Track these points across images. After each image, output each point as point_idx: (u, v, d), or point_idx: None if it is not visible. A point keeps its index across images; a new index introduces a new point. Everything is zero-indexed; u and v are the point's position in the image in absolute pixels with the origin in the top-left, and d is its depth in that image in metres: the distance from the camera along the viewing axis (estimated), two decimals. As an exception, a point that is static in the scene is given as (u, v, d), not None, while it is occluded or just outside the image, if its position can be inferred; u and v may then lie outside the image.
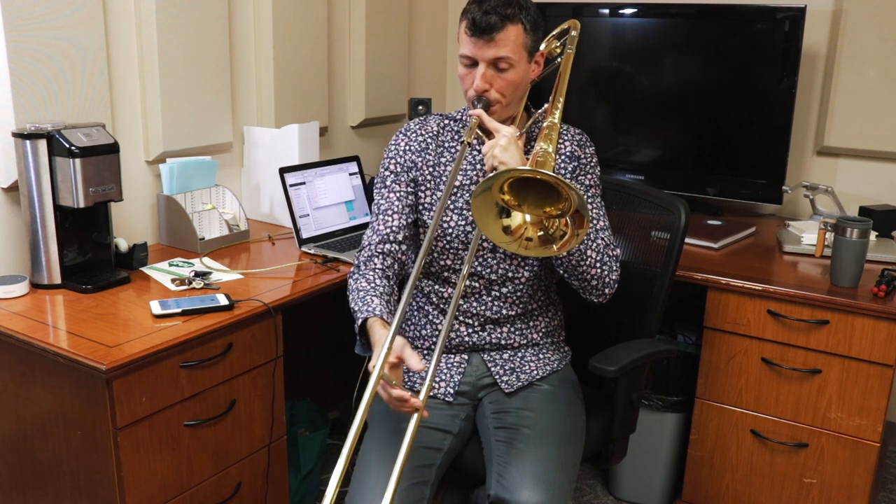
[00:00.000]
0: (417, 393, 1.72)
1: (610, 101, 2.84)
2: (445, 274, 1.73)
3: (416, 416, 1.37)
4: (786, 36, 2.44)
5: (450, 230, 1.70)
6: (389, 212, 1.70)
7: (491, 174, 1.41)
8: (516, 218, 1.46)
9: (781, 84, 2.47)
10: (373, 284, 1.61)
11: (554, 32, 1.83)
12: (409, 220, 1.71)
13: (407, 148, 1.75)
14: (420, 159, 1.74)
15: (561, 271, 1.67)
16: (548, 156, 1.48)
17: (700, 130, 2.70)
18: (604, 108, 2.86)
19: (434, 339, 1.76)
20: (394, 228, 1.68)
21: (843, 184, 2.64)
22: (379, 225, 1.70)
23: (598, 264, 1.64)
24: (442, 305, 1.74)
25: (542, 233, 1.45)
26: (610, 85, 2.82)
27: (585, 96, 2.86)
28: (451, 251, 1.71)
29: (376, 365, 1.31)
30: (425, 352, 1.78)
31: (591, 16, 2.76)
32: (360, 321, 1.52)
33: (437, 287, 1.74)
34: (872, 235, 2.10)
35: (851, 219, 2.03)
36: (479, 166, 1.73)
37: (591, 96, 2.87)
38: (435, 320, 1.75)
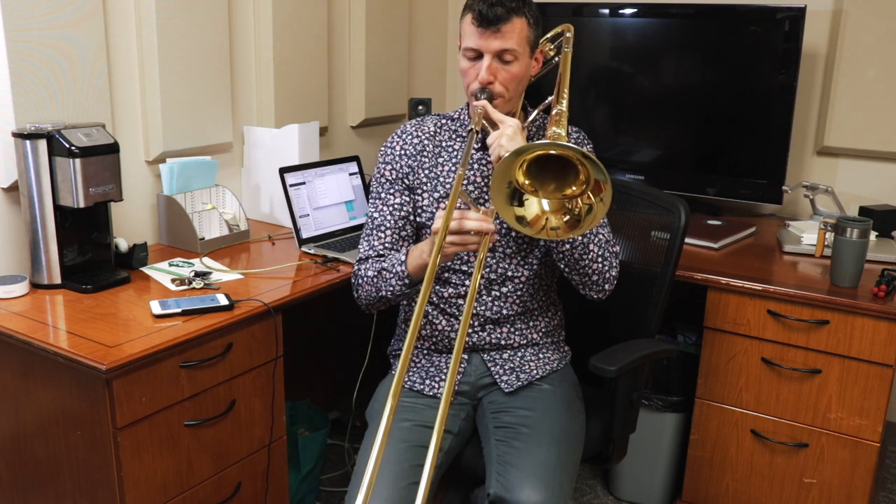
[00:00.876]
0: (419, 392, 1.74)
1: (610, 101, 2.84)
2: (445, 274, 1.73)
3: (439, 416, 1.29)
4: (786, 36, 2.44)
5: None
6: (383, 227, 1.72)
7: (522, 146, 1.41)
8: (531, 208, 1.46)
9: (781, 84, 2.47)
10: (382, 257, 1.70)
11: (548, 35, 1.84)
12: (404, 234, 1.73)
13: (402, 152, 1.75)
14: (415, 163, 1.74)
15: (562, 266, 1.68)
16: (561, 139, 1.50)
17: (700, 130, 2.70)
18: (604, 108, 2.86)
19: (434, 339, 1.76)
20: (387, 245, 1.72)
21: (843, 184, 2.64)
22: (374, 240, 1.73)
23: (599, 259, 1.65)
24: (442, 305, 1.74)
25: (567, 217, 1.45)
26: (610, 85, 2.82)
27: (585, 96, 2.86)
28: (451, 251, 1.71)
29: (443, 222, 1.43)
30: (425, 352, 1.78)
31: (591, 16, 2.76)
32: (402, 263, 1.62)
33: (436, 287, 1.74)
34: (872, 235, 2.10)
35: (851, 219, 2.03)
36: (476, 166, 1.73)
37: (591, 96, 2.87)
38: (435, 320, 1.75)
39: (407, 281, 1.62)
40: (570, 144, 1.38)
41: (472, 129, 1.57)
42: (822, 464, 2.08)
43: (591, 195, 1.41)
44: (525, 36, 1.62)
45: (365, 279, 1.70)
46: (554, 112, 1.61)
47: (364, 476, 1.07)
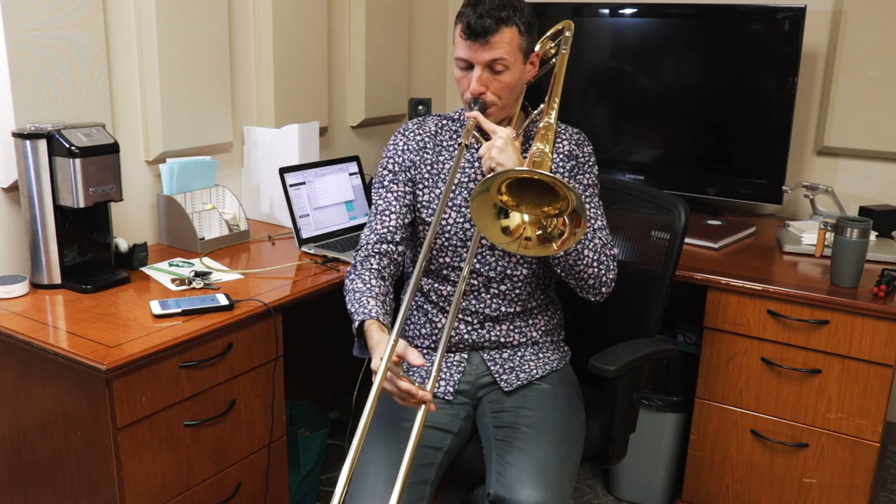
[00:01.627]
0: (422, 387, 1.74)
1: (610, 101, 2.84)
2: (444, 272, 1.73)
3: (420, 415, 1.37)
4: (786, 36, 2.44)
5: (448, 227, 1.70)
6: (387, 212, 1.71)
7: (489, 175, 1.41)
8: (514, 218, 1.46)
9: (781, 84, 2.47)
10: (368, 285, 1.60)
11: (548, 34, 1.83)
12: (406, 221, 1.72)
13: (405, 147, 1.76)
14: (418, 158, 1.75)
15: (558, 270, 1.68)
16: (545, 156, 1.48)
17: (700, 130, 2.70)
18: (604, 108, 2.86)
19: (434, 338, 1.76)
20: (390, 229, 1.69)
21: (843, 184, 2.64)
22: (376, 224, 1.70)
23: (595, 263, 1.65)
24: (441, 304, 1.74)
25: (540, 232, 1.45)
26: (610, 85, 2.82)
27: (585, 96, 2.86)
28: (450, 248, 1.71)
29: (380, 365, 1.32)
30: (425, 350, 1.78)
31: (591, 16, 2.76)
32: (356, 324, 1.53)
33: (436, 285, 1.74)
34: (872, 235, 2.10)
35: (851, 219, 2.03)
36: (476, 164, 1.73)
37: (591, 96, 2.87)
38: (434, 318, 1.75)
39: (356, 339, 1.56)
40: (544, 172, 1.36)
41: (461, 144, 1.56)
42: (822, 464, 2.08)
43: (566, 221, 1.41)
44: (516, 45, 1.61)
45: (347, 290, 1.64)
46: (541, 125, 1.59)
47: (343, 470, 1.08)
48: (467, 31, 1.58)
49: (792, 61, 2.44)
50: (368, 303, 1.55)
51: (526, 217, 1.46)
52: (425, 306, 1.76)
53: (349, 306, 1.59)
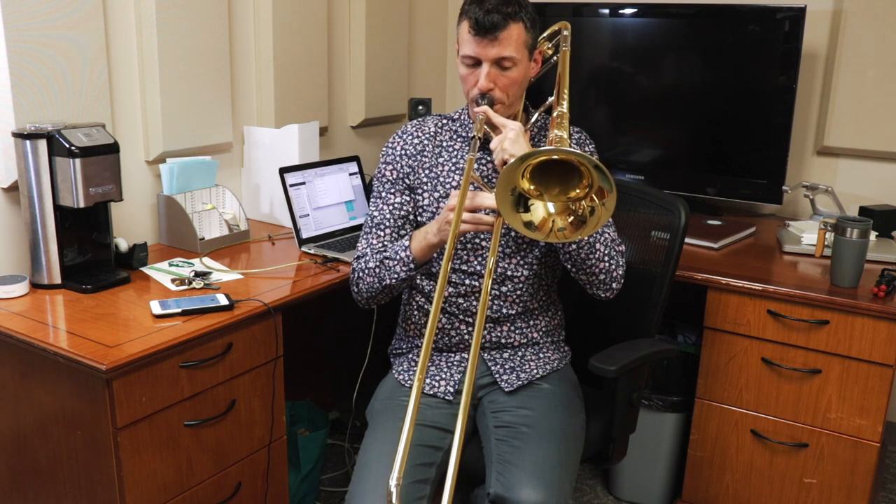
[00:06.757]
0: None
1: (610, 101, 2.84)
2: (446, 274, 1.73)
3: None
4: (786, 36, 2.44)
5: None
6: (382, 226, 1.73)
7: (511, 161, 1.40)
8: (537, 212, 1.45)
9: (781, 84, 2.47)
10: (383, 250, 1.69)
11: (545, 34, 1.84)
12: (403, 234, 1.73)
13: (403, 152, 1.76)
14: (416, 163, 1.75)
15: (569, 266, 1.67)
16: (563, 141, 1.49)
17: (700, 130, 2.70)
18: (604, 108, 2.86)
19: (434, 338, 1.76)
20: (385, 244, 1.73)
21: (843, 184, 2.64)
22: (372, 239, 1.73)
23: (606, 258, 1.65)
24: (442, 304, 1.74)
25: (572, 218, 1.45)
26: (610, 85, 2.82)
27: (585, 96, 2.86)
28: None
29: (459, 198, 1.45)
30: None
31: (591, 16, 2.76)
32: (406, 248, 1.62)
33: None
34: (872, 235, 2.10)
35: (851, 219, 2.03)
36: (476, 165, 1.73)
37: (591, 96, 2.87)
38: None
39: (412, 265, 1.62)
40: (573, 150, 1.38)
41: (474, 137, 1.57)
42: (822, 464, 2.08)
43: (594, 198, 1.41)
44: (523, 41, 1.62)
45: (366, 271, 1.70)
46: (555, 114, 1.61)
47: (396, 459, 1.11)
48: (475, 27, 1.58)
49: (792, 61, 2.44)
50: (398, 243, 1.65)
51: (552, 208, 1.45)
52: (426, 307, 1.76)
53: (385, 261, 1.65)
